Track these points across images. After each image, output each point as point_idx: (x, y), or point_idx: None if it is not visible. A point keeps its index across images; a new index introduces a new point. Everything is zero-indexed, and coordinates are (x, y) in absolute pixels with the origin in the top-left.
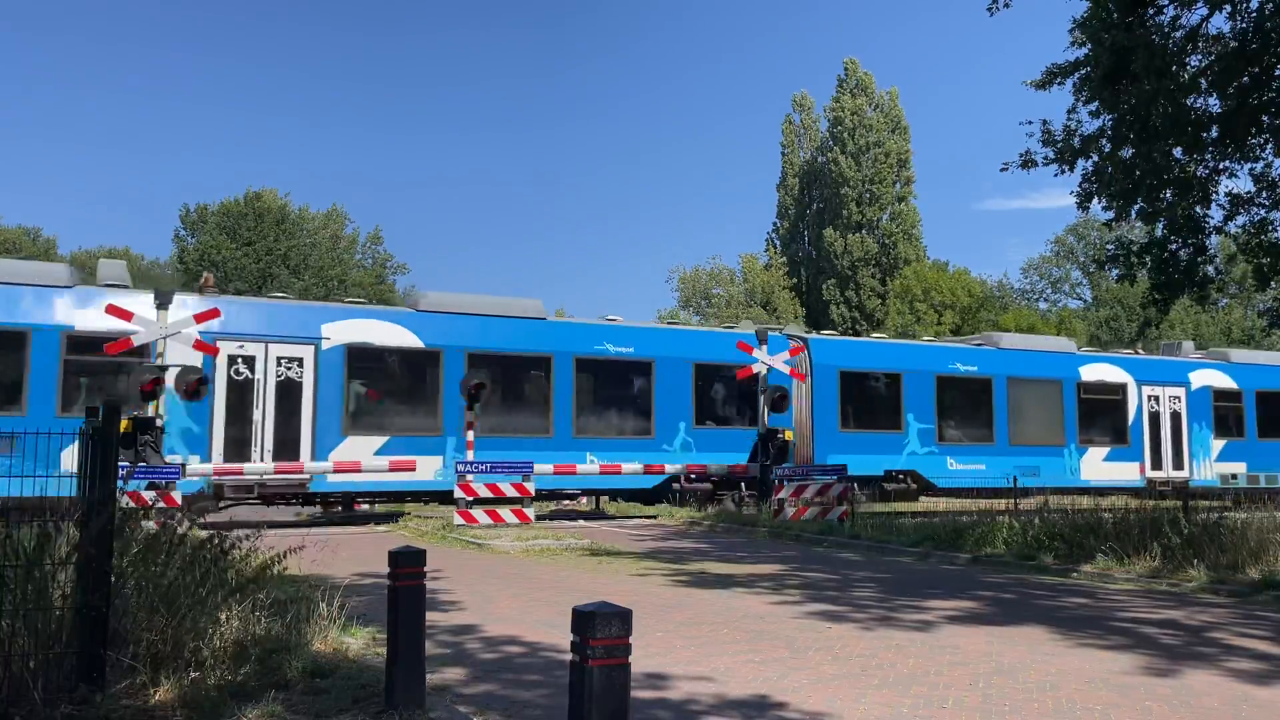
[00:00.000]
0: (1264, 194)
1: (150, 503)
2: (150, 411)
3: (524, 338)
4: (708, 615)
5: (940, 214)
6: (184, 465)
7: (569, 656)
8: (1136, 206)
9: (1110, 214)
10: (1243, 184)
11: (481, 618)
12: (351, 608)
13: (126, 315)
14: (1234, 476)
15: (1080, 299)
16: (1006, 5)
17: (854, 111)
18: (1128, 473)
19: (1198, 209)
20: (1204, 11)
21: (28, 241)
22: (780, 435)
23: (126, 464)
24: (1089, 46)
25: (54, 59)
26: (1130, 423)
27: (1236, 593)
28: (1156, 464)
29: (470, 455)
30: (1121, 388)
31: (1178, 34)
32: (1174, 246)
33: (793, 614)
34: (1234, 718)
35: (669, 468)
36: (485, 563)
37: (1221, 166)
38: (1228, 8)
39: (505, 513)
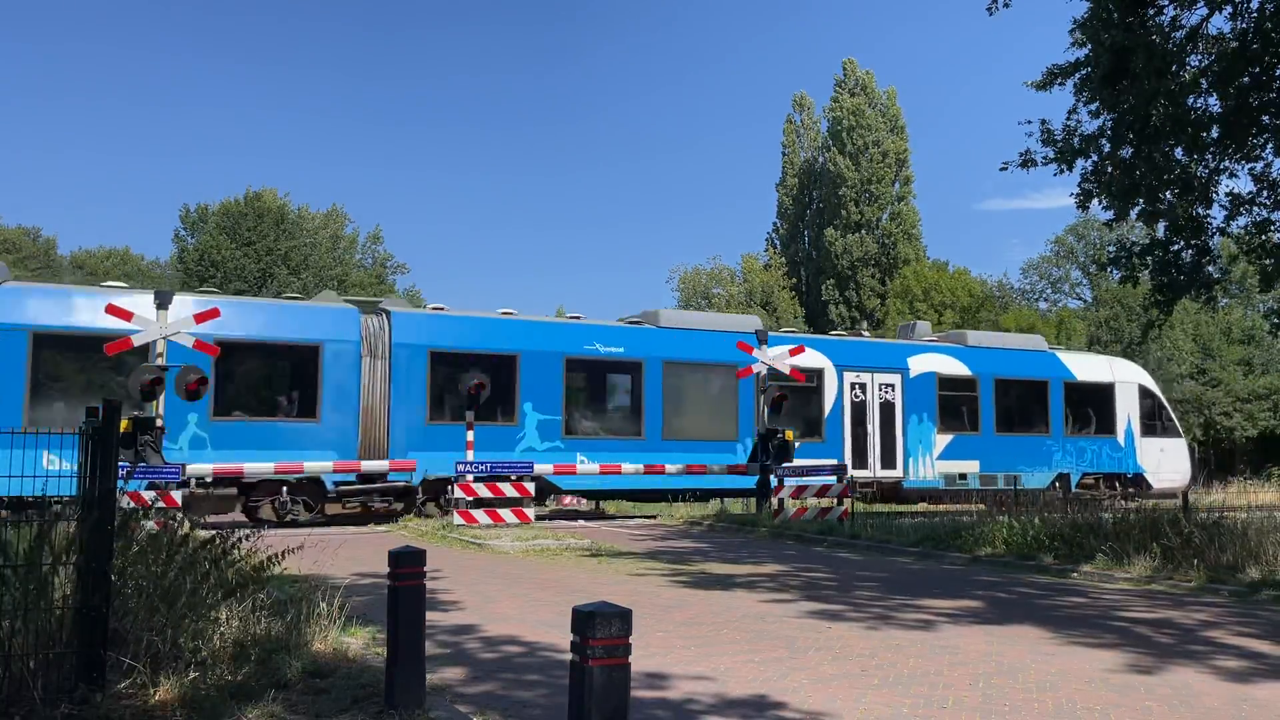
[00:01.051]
0: (1265, 194)
1: (150, 503)
2: (150, 411)
3: None
4: (707, 615)
5: (940, 214)
6: None
7: (569, 656)
8: (1137, 207)
9: (1110, 214)
10: (1243, 184)
11: (481, 618)
12: (351, 608)
13: (127, 315)
14: (963, 476)
15: (1080, 299)
16: (1006, 5)
17: (853, 111)
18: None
19: (1199, 209)
20: (1204, 11)
21: (28, 241)
22: (780, 435)
23: (126, 464)
24: (1089, 47)
25: (54, 59)
26: (826, 414)
27: (1236, 593)
28: (860, 461)
29: (470, 455)
30: (816, 374)
31: (1178, 34)
32: (1176, 247)
33: (793, 614)
34: (1234, 718)
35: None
36: (485, 563)
37: (1222, 167)
38: (1228, 8)
39: (505, 513)
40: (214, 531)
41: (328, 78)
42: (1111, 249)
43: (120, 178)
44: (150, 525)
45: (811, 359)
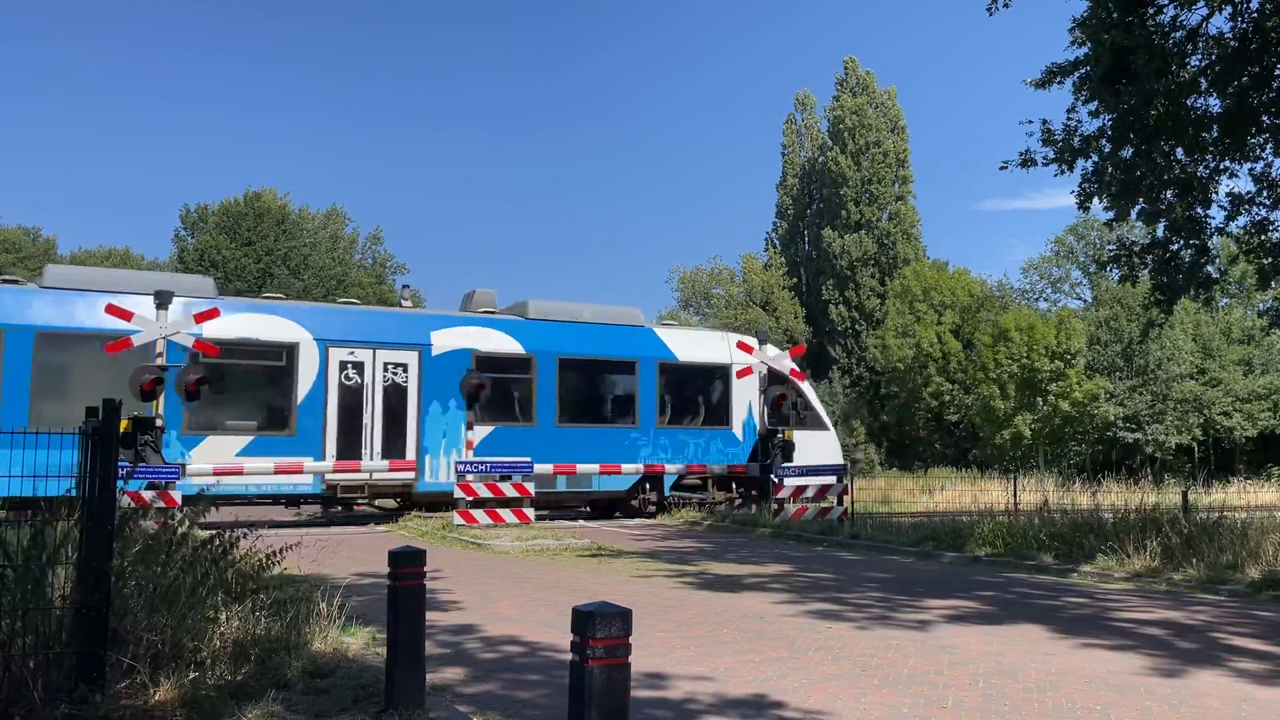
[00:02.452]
0: (1264, 194)
1: (150, 503)
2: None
3: None
4: (708, 615)
5: (940, 214)
6: None
7: (569, 656)
8: (1137, 207)
9: (1110, 214)
10: (1243, 184)
11: (481, 618)
12: (351, 608)
13: (126, 315)
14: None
15: (1080, 299)
16: (1006, 5)
17: (854, 111)
18: (285, 471)
19: (1198, 209)
20: (1204, 11)
21: (27, 241)
22: (780, 435)
23: (126, 464)
24: (1089, 46)
25: (53, 59)
26: (300, 400)
27: (1236, 592)
28: (351, 459)
29: (470, 455)
30: (286, 350)
31: (1178, 34)
32: (1175, 247)
33: (793, 614)
34: (1235, 718)
35: None
36: (485, 563)
37: (1222, 166)
38: (1228, 8)
39: (505, 513)
40: (213, 532)
41: (328, 77)
42: (1112, 249)
43: (120, 178)
44: (150, 525)
45: (277, 329)
